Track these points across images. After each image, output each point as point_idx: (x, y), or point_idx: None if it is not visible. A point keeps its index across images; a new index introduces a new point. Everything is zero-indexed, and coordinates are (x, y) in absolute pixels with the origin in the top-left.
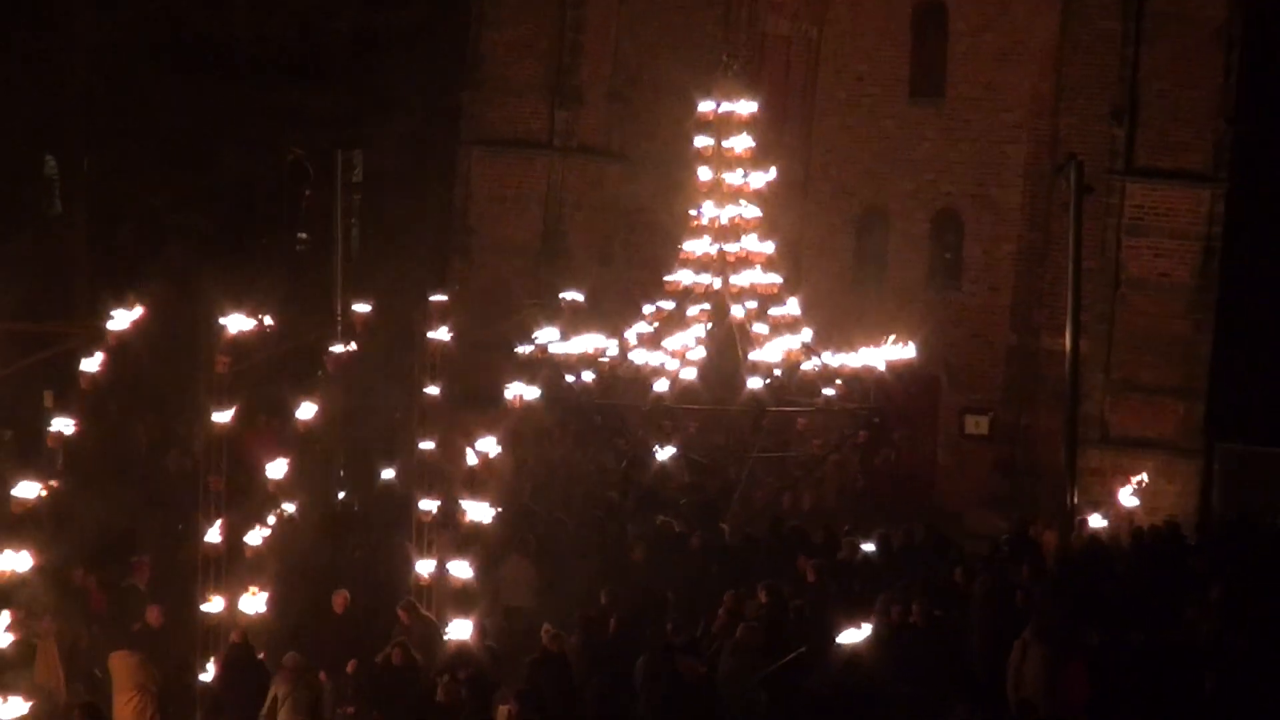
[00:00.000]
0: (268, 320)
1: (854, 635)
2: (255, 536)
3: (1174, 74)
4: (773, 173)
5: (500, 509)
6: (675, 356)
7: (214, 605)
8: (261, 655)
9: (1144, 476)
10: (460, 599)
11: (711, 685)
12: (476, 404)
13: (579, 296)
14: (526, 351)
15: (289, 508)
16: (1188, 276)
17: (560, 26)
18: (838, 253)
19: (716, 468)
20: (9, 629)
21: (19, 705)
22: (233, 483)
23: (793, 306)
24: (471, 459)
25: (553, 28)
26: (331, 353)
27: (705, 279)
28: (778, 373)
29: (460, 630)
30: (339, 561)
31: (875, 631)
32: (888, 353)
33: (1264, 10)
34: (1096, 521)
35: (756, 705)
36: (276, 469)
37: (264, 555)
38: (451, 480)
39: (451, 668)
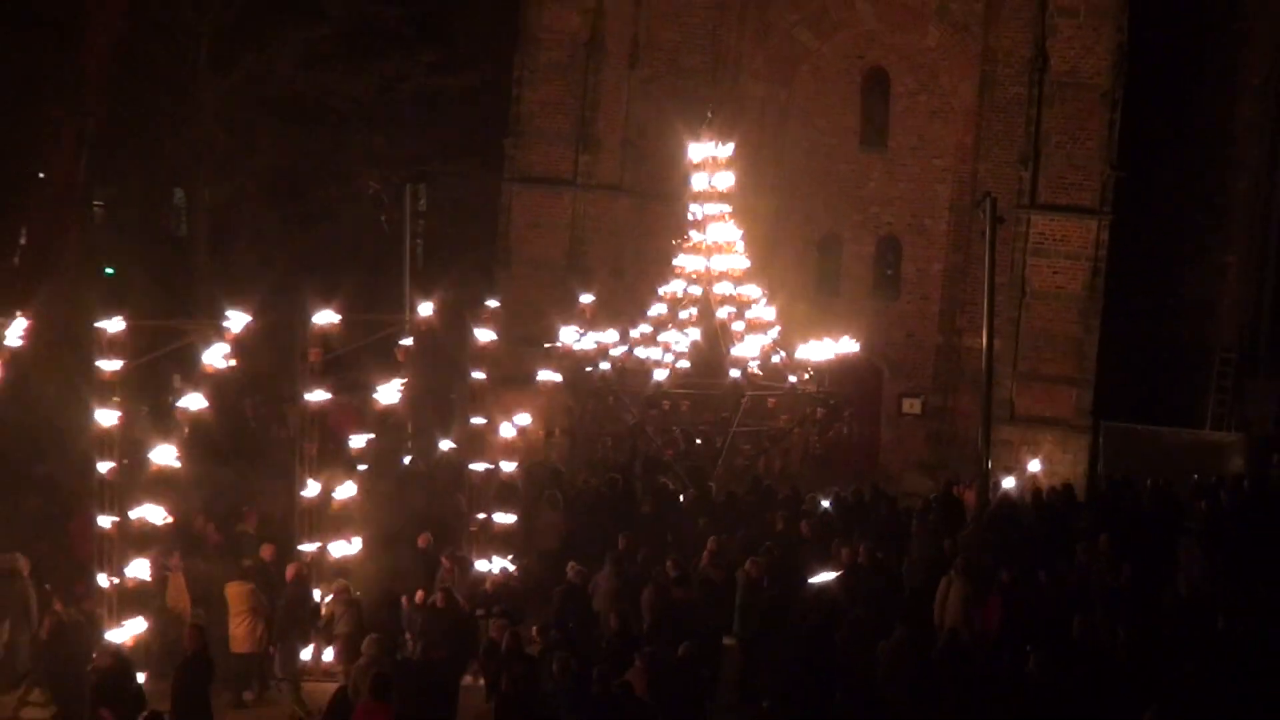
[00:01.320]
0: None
1: (824, 575)
2: (341, 492)
3: (1068, 129)
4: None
5: (532, 471)
6: (671, 350)
7: (309, 546)
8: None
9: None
10: (501, 543)
11: (696, 606)
12: (514, 387)
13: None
14: (554, 346)
15: (344, 490)
16: (1079, 289)
17: (583, 89)
18: (803, 269)
19: (705, 439)
20: (149, 564)
21: (141, 623)
22: (323, 449)
23: (765, 311)
24: (510, 431)
25: (577, 90)
26: (401, 346)
27: (696, 289)
28: (753, 364)
29: (498, 569)
30: (410, 513)
31: (829, 569)
32: (841, 348)
33: (1140, 78)
34: (1007, 483)
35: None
36: (358, 439)
37: (349, 508)
38: (495, 448)
39: (489, 602)
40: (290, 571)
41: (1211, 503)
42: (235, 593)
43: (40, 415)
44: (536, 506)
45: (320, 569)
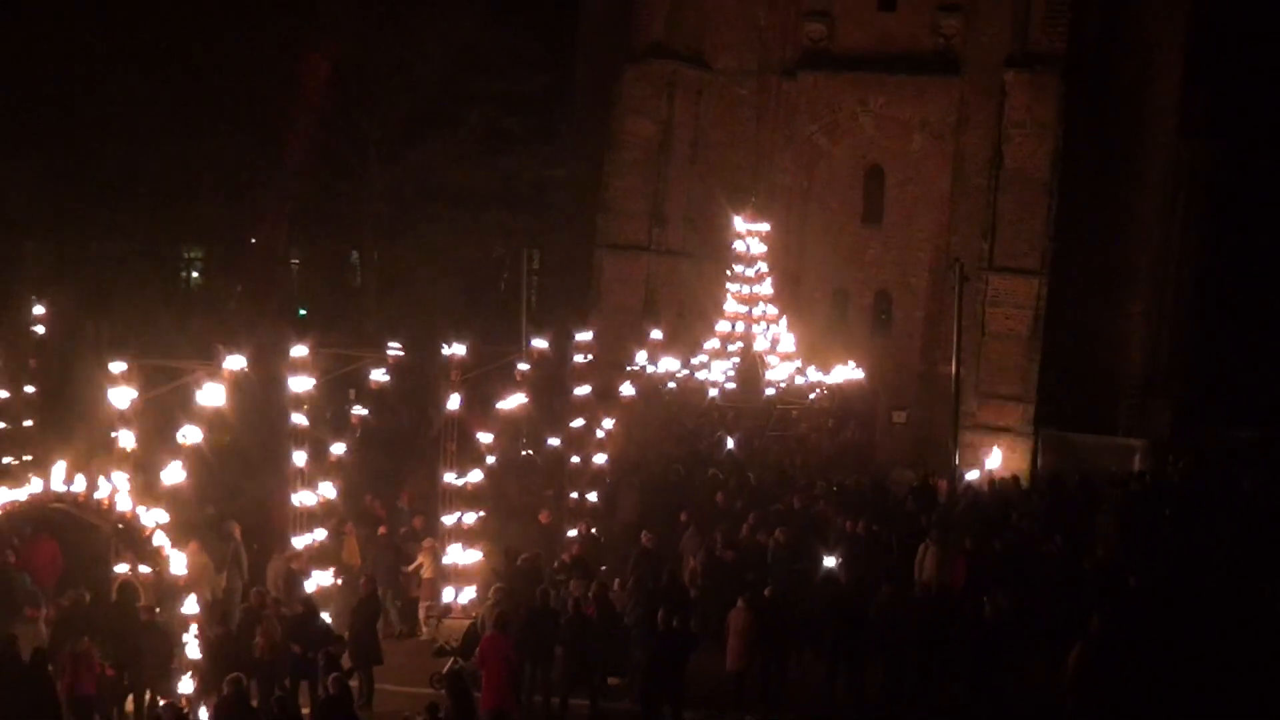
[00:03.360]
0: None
1: (831, 560)
2: (473, 477)
3: (1017, 210)
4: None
5: (616, 462)
6: (722, 374)
7: (450, 518)
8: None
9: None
10: (592, 515)
11: (739, 565)
12: (604, 400)
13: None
14: (633, 369)
15: (475, 476)
16: (1024, 331)
17: (656, 179)
18: (819, 314)
19: (744, 440)
20: (327, 530)
21: (328, 576)
22: (459, 446)
23: (790, 345)
24: (600, 432)
25: (651, 179)
26: (520, 369)
27: (739, 328)
28: (782, 384)
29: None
30: (525, 493)
31: (833, 538)
32: (847, 374)
33: (1071, 173)
34: (970, 475)
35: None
36: (486, 437)
37: (480, 489)
38: (589, 445)
39: (569, 565)
40: (427, 544)
41: (1122, 490)
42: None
43: (253, 420)
44: (619, 489)
45: (457, 533)
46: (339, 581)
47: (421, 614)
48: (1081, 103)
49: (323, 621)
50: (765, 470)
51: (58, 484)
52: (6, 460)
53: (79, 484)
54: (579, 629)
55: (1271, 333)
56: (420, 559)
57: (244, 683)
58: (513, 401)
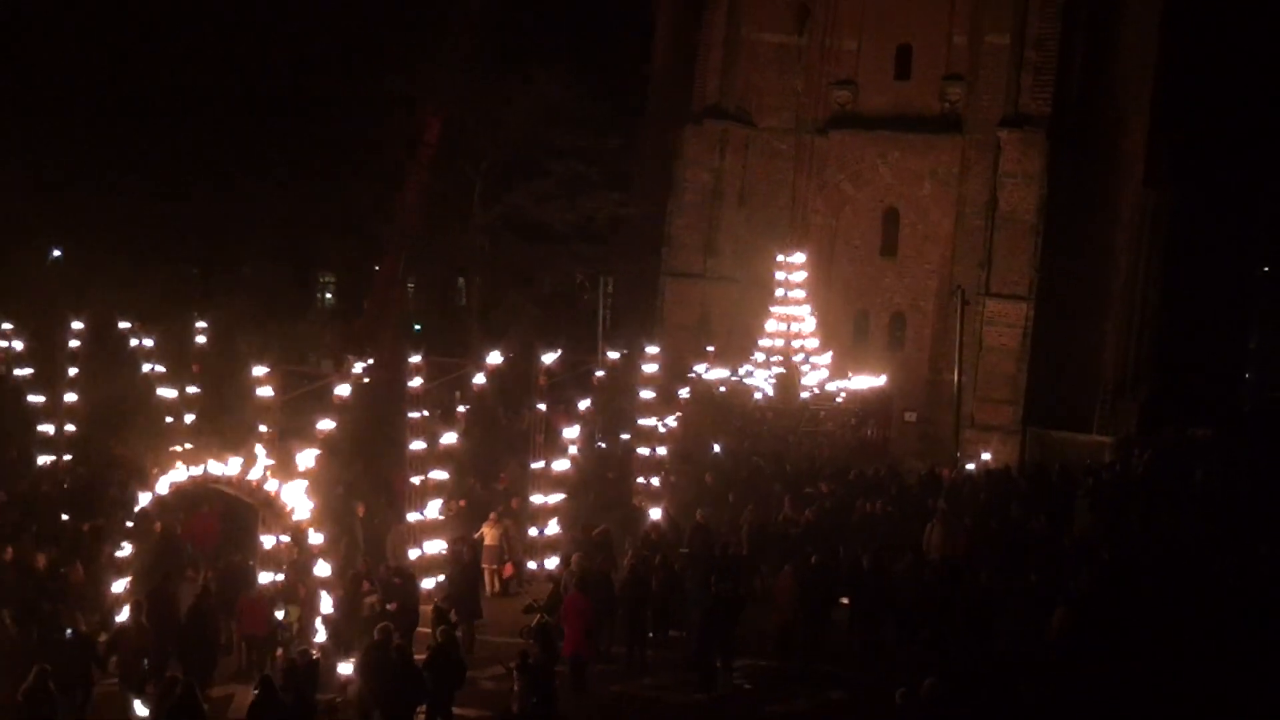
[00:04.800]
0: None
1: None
2: (558, 465)
3: (1009, 246)
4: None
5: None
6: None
7: (537, 499)
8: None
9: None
10: (657, 497)
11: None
12: (666, 402)
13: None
14: (691, 377)
15: (558, 464)
16: (1015, 346)
17: (709, 218)
18: (845, 332)
19: (782, 436)
20: (440, 509)
21: (440, 544)
22: (547, 439)
23: (821, 358)
24: (663, 428)
25: (705, 219)
26: (597, 376)
27: (779, 343)
28: (814, 390)
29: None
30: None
31: (857, 518)
32: (868, 382)
33: (1055, 214)
34: (969, 466)
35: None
36: (570, 431)
37: (563, 475)
38: (653, 438)
39: (646, 539)
40: (491, 517)
41: (1096, 479)
42: (490, 530)
43: (377, 415)
44: (678, 475)
45: (544, 511)
46: (447, 549)
47: (486, 575)
48: (1064, 156)
49: (416, 586)
50: (799, 460)
51: (215, 468)
52: (174, 448)
53: (233, 468)
54: (639, 592)
55: (1220, 348)
56: (484, 529)
57: (391, 630)
58: (589, 402)
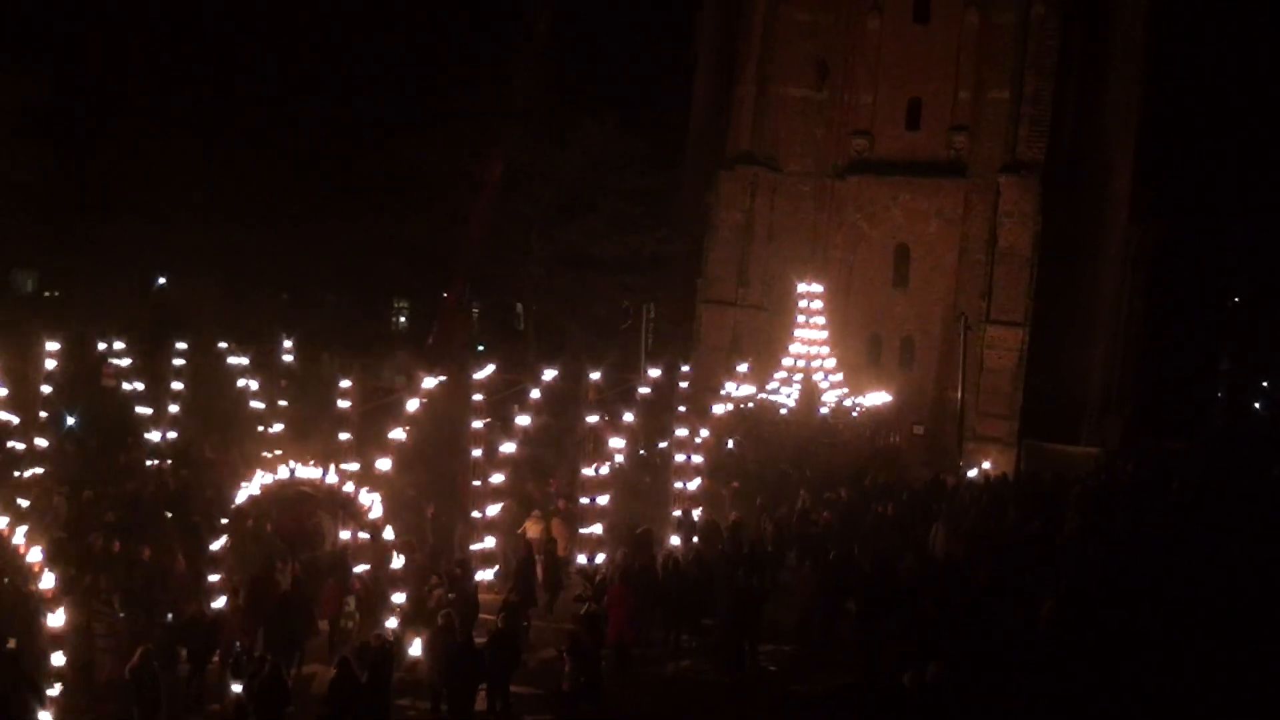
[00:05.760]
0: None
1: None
2: (604, 470)
3: (1007, 278)
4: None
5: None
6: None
7: (586, 500)
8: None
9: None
10: (694, 501)
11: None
12: (701, 415)
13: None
14: (723, 393)
15: (604, 470)
16: (1012, 367)
17: (741, 254)
18: (860, 353)
19: (804, 445)
20: (502, 508)
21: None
22: (595, 447)
23: (838, 377)
24: (698, 439)
25: (738, 253)
26: (640, 392)
27: (801, 363)
28: (832, 405)
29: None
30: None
31: (870, 520)
32: (880, 399)
33: (1048, 250)
34: (971, 474)
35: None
36: (616, 441)
37: (609, 479)
38: (689, 447)
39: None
40: (534, 514)
41: (1083, 486)
42: (559, 524)
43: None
44: (714, 479)
45: (591, 511)
46: (502, 545)
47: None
48: (1056, 198)
49: (474, 580)
50: (818, 467)
51: (301, 472)
52: (264, 454)
53: (316, 472)
54: (677, 583)
55: (1195, 370)
56: (526, 524)
57: (453, 617)
58: (632, 415)
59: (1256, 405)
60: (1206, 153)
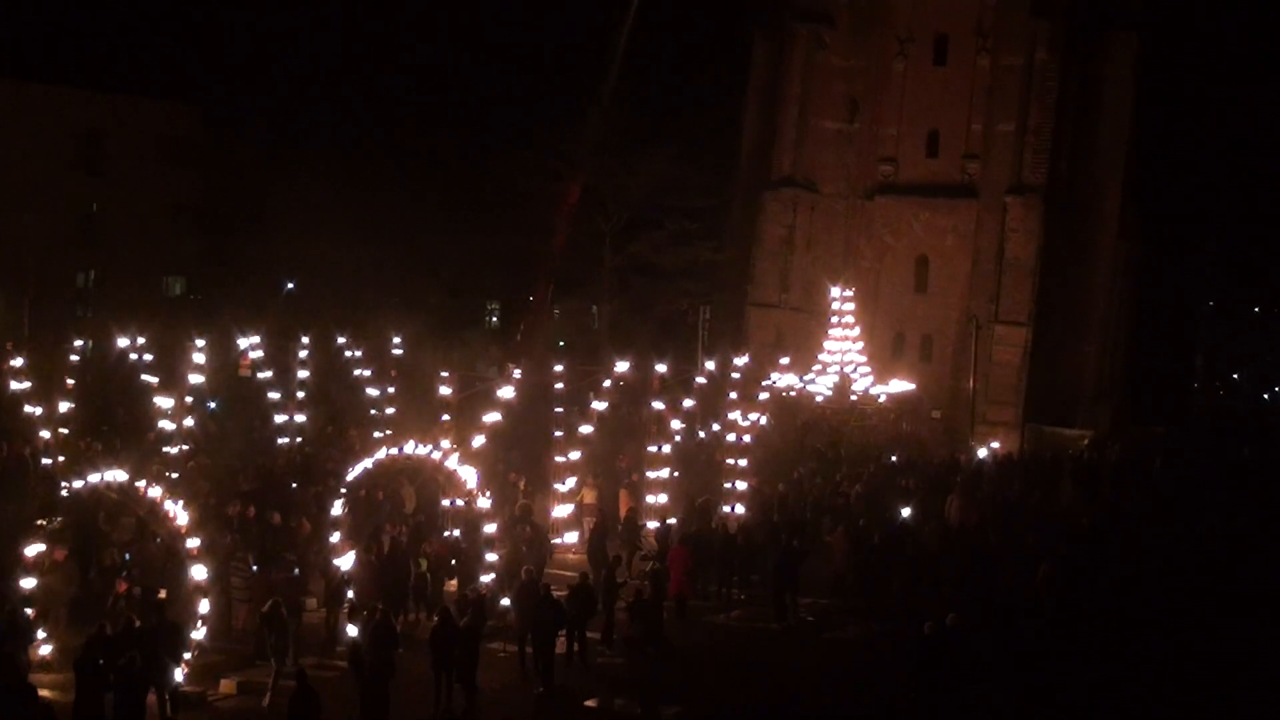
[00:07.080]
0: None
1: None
2: (666, 448)
3: (1012, 285)
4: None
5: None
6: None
7: (651, 474)
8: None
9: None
10: (744, 476)
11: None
12: (748, 402)
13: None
14: (769, 383)
15: (667, 448)
16: (1017, 362)
17: (784, 264)
18: (886, 350)
19: (837, 429)
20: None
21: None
22: (659, 429)
23: (866, 369)
24: (746, 423)
25: (781, 262)
26: (698, 382)
27: (835, 358)
28: (861, 393)
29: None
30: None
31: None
32: (904, 388)
33: (1049, 260)
34: (981, 453)
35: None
36: (677, 424)
37: (670, 456)
38: (739, 430)
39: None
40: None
41: (1077, 464)
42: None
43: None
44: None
45: (656, 483)
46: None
47: (586, 526)
48: (1056, 215)
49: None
50: (850, 447)
51: (408, 448)
52: (376, 434)
53: (422, 449)
54: (727, 546)
55: (1174, 364)
56: (583, 491)
57: (534, 572)
58: (690, 401)
59: (1222, 392)
60: (1186, 178)
